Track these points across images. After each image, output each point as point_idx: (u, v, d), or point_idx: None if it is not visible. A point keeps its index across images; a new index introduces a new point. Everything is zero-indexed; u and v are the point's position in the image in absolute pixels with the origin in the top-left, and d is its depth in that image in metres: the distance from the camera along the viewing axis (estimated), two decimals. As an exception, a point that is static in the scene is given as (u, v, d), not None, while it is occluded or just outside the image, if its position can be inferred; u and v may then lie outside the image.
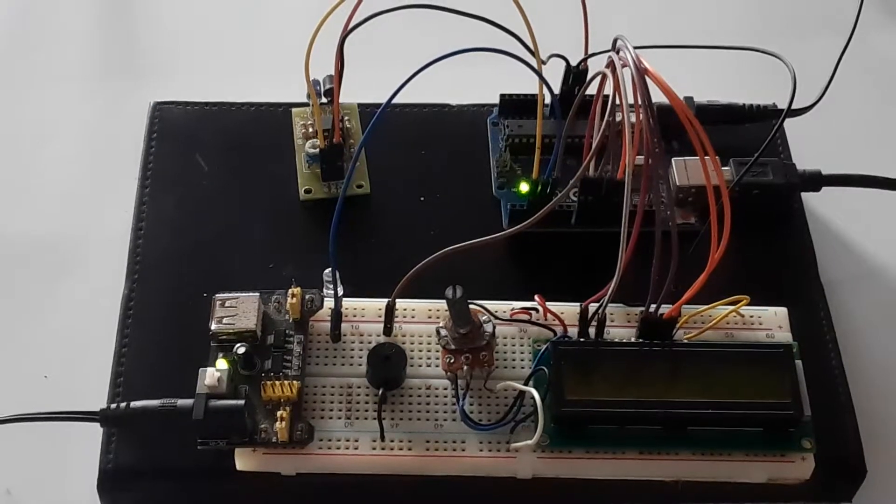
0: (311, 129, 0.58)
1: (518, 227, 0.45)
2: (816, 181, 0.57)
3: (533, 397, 0.45)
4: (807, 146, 0.60)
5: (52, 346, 0.55)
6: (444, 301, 0.46)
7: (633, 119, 0.44)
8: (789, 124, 0.59)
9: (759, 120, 0.59)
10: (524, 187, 0.55)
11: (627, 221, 0.44)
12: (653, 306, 0.47)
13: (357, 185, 0.57)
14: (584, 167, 0.45)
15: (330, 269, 0.47)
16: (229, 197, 0.57)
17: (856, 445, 0.50)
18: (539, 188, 0.54)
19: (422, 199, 0.57)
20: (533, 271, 0.54)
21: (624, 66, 0.45)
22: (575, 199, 0.54)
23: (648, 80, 0.43)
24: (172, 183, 0.57)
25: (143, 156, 0.58)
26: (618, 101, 0.44)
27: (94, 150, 0.62)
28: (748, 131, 0.59)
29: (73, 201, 0.60)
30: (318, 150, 0.56)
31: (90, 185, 0.61)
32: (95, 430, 0.48)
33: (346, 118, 0.58)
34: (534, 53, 0.49)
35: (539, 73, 0.49)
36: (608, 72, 0.46)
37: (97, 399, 0.50)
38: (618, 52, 0.45)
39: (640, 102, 0.43)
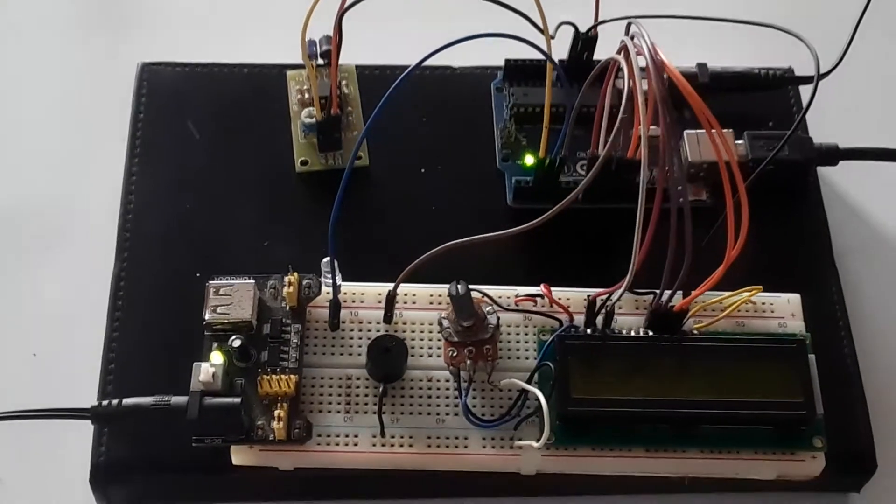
0: (307, 96, 0.55)
1: (524, 226, 0.42)
2: (833, 155, 0.54)
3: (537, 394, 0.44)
4: (822, 114, 0.57)
5: (39, 321, 0.53)
6: (446, 289, 0.44)
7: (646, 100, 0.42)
8: (803, 91, 0.57)
9: (774, 87, 0.56)
10: (529, 160, 0.53)
11: (642, 224, 0.42)
12: (665, 295, 0.45)
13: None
14: (599, 164, 0.43)
15: (328, 258, 0.45)
16: (222, 167, 0.54)
17: (867, 441, 0.49)
18: (546, 163, 0.51)
19: (422, 170, 0.55)
20: (538, 249, 0.52)
21: (638, 53, 0.42)
22: (583, 173, 0.52)
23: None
24: (162, 152, 0.55)
25: (131, 122, 0.55)
26: (633, 99, 0.42)
27: (77, 111, 0.59)
28: (762, 98, 0.56)
29: (55, 167, 0.57)
30: (314, 119, 0.53)
31: (73, 148, 0.58)
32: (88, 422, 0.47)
33: (343, 83, 0.56)
34: (542, 31, 0.47)
35: (548, 56, 0.46)
36: (621, 58, 0.43)
37: (87, 378, 0.49)
38: (632, 39, 0.43)
39: (655, 97, 0.41)
